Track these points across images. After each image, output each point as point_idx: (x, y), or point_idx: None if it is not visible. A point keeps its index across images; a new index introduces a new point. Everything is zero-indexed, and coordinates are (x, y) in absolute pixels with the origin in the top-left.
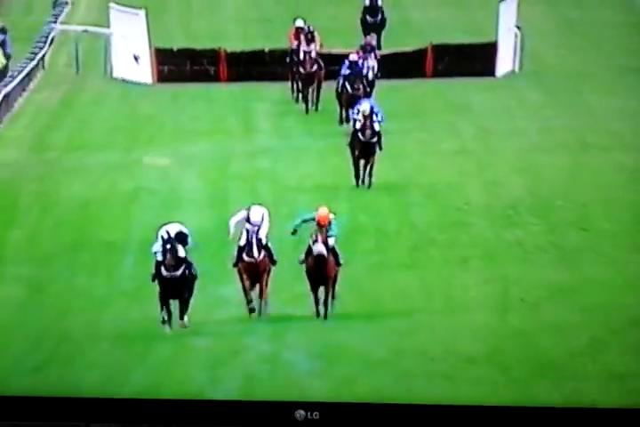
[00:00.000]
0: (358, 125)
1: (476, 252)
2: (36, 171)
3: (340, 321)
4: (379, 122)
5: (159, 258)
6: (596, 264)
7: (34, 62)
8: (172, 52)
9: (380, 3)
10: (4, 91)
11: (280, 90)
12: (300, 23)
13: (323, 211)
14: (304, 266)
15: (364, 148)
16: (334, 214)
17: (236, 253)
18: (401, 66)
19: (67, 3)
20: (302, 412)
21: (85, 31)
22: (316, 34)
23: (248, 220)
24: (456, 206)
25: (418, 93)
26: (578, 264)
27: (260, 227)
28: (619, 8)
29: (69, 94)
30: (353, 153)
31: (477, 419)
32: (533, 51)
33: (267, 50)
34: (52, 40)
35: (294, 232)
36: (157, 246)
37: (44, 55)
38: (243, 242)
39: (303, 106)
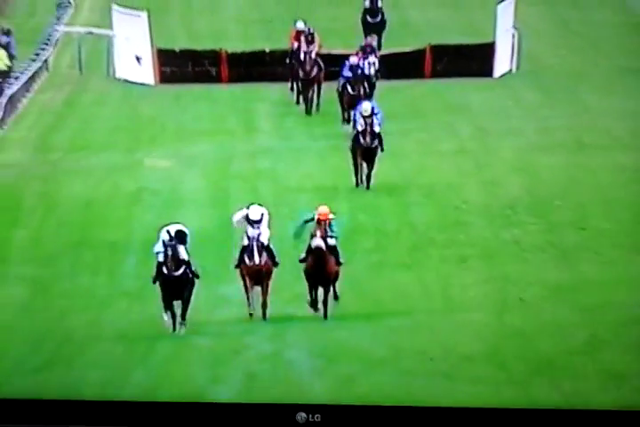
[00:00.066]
0: (359, 128)
1: (475, 251)
2: (40, 172)
3: (340, 321)
4: (379, 124)
5: (160, 259)
6: (595, 264)
7: (38, 64)
8: (174, 54)
9: (380, 4)
10: (9, 92)
11: (281, 90)
12: (300, 25)
13: (323, 208)
14: (303, 265)
15: (365, 152)
16: (334, 214)
17: (238, 255)
18: (400, 66)
19: (70, 4)
20: (303, 414)
21: (90, 33)
22: (315, 35)
23: (247, 219)
24: (455, 206)
25: (416, 94)
26: (576, 264)
27: (261, 232)
28: (615, 8)
29: (73, 95)
30: (354, 157)
31: (477, 420)
32: (531, 51)
33: (267, 50)
34: (57, 42)
35: (298, 236)
36: (159, 247)
37: (47, 57)
38: (245, 244)
39: (303, 107)
